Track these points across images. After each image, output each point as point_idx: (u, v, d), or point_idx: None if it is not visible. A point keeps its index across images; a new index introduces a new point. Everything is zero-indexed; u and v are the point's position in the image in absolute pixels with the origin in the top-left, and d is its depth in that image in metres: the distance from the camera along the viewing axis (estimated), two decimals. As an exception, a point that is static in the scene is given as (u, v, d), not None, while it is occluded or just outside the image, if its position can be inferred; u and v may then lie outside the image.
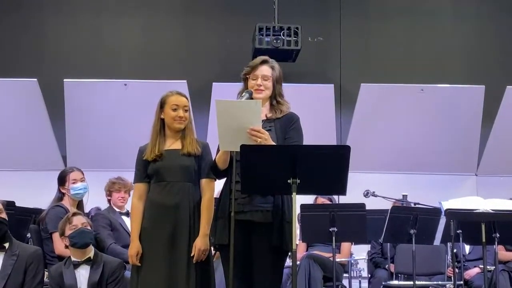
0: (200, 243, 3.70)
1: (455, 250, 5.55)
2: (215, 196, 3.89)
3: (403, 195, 6.21)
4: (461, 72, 8.63)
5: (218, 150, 3.63)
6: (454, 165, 7.89)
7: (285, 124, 3.63)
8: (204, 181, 3.81)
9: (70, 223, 4.48)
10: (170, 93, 3.89)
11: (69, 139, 7.73)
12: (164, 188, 3.77)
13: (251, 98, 3.58)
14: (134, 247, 3.76)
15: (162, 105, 3.86)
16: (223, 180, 3.70)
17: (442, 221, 5.37)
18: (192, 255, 3.69)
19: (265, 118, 3.60)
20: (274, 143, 3.48)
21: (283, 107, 3.68)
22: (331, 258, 5.33)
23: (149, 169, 3.81)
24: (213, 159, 3.66)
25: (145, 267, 3.74)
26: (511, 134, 7.68)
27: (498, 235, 4.81)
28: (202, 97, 7.64)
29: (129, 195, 5.28)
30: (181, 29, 8.77)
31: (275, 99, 3.69)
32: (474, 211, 4.83)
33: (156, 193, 3.79)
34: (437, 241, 5.55)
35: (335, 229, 5.14)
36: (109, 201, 5.46)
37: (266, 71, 3.65)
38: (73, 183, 5.10)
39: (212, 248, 3.84)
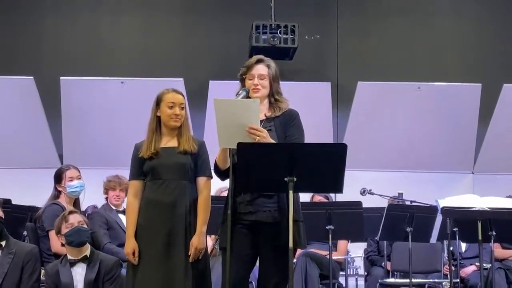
0: (197, 242, 3.70)
1: (451, 248, 5.56)
2: (212, 194, 3.89)
3: (399, 193, 6.22)
4: (458, 70, 8.63)
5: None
6: (450, 163, 7.89)
7: (285, 122, 3.63)
8: (200, 179, 3.81)
9: (66, 221, 4.47)
10: (166, 90, 3.88)
11: (65, 137, 7.72)
12: (160, 186, 3.77)
13: (248, 96, 3.59)
14: (130, 245, 3.75)
15: (158, 102, 3.85)
16: (221, 179, 3.71)
17: (439, 219, 5.38)
18: (189, 254, 3.69)
19: (264, 117, 3.61)
20: (272, 141, 3.49)
21: (282, 105, 3.68)
22: (328, 256, 5.34)
23: (145, 167, 3.80)
24: (215, 160, 3.65)
25: (141, 265, 3.73)
26: (508, 132, 7.68)
27: (494, 233, 4.81)
28: (199, 95, 7.64)
29: (125, 193, 5.28)
30: (178, 27, 8.77)
31: (273, 97, 3.69)
32: (470, 209, 4.82)
33: (152, 191, 3.79)
34: (433, 239, 5.55)
35: (332, 227, 5.15)
36: (106, 199, 5.47)
37: (262, 70, 3.66)
38: (70, 181, 5.11)
39: (208, 247, 3.84)
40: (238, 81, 3.75)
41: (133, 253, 3.74)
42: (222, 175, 3.66)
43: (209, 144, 3.87)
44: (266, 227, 3.52)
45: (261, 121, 3.51)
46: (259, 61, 3.68)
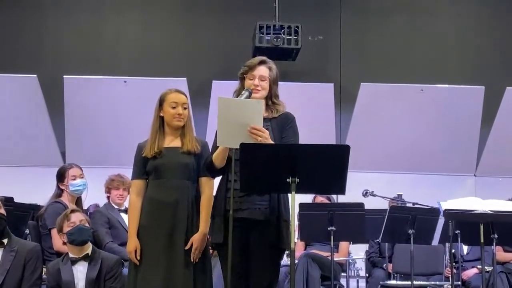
0: (198, 241, 3.70)
1: (453, 251, 5.55)
2: (214, 194, 3.89)
3: (398, 194, 6.22)
4: (461, 73, 8.63)
5: (213, 147, 3.63)
6: (453, 165, 7.89)
7: (282, 124, 3.65)
8: (203, 180, 3.81)
9: (68, 220, 4.48)
10: (169, 90, 3.89)
11: (68, 136, 7.73)
12: (162, 185, 3.77)
13: (250, 97, 3.58)
14: (132, 244, 3.76)
15: (161, 102, 3.86)
16: (212, 176, 3.71)
17: (441, 221, 5.37)
18: (187, 249, 3.68)
19: (261, 117, 3.61)
20: (273, 142, 3.49)
21: (279, 107, 3.70)
22: (329, 257, 5.34)
23: (148, 166, 3.81)
24: (210, 157, 3.65)
25: (143, 264, 3.73)
26: (510, 135, 7.68)
27: (496, 236, 4.81)
28: (201, 95, 7.64)
29: (128, 193, 5.27)
30: (181, 26, 8.77)
31: (271, 99, 3.70)
32: (472, 212, 4.82)
33: (154, 190, 3.79)
34: (435, 241, 5.54)
35: (334, 228, 5.14)
36: (108, 198, 5.46)
37: (263, 71, 3.66)
38: (73, 179, 5.11)
39: (209, 246, 3.84)
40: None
41: (135, 252, 3.74)
42: (215, 172, 3.66)
43: (212, 144, 3.86)
44: (256, 225, 3.53)
45: None
46: (261, 63, 3.69)
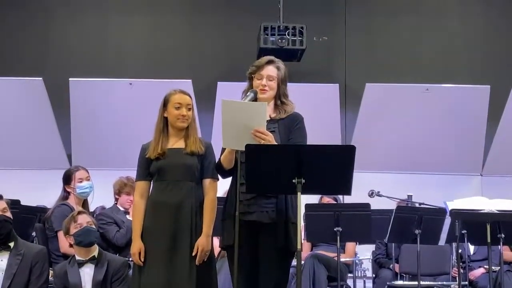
0: (203, 243, 3.69)
1: (460, 251, 5.54)
2: (219, 195, 3.89)
3: (408, 195, 6.20)
4: (466, 72, 8.61)
5: (222, 149, 3.63)
6: (459, 165, 7.87)
7: (289, 125, 3.63)
8: (207, 181, 3.80)
9: (75, 221, 4.49)
10: (173, 91, 3.88)
11: (74, 138, 7.75)
12: (166, 186, 3.76)
13: (255, 98, 3.58)
14: (136, 246, 3.75)
15: (165, 103, 3.85)
16: (227, 180, 3.71)
17: (447, 221, 5.36)
18: (194, 254, 3.69)
19: (269, 118, 3.60)
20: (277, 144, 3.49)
21: (287, 108, 3.67)
22: (336, 258, 5.33)
23: (151, 168, 3.80)
24: (218, 159, 3.66)
25: (146, 266, 3.73)
26: (517, 135, 7.66)
27: (503, 235, 4.81)
28: (207, 96, 7.64)
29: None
30: (186, 28, 8.79)
31: (279, 99, 3.68)
32: (479, 211, 4.82)
33: (158, 191, 3.79)
34: (442, 241, 5.54)
35: (340, 229, 5.14)
36: (116, 199, 5.47)
37: (271, 71, 3.65)
38: (79, 182, 5.12)
39: (214, 249, 3.84)
40: (246, 83, 3.75)
41: (139, 254, 3.74)
42: (225, 173, 3.66)
43: (217, 145, 3.86)
44: (264, 228, 3.53)
45: (266, 122, 3.50)
46: (269, 62, 3.68)
